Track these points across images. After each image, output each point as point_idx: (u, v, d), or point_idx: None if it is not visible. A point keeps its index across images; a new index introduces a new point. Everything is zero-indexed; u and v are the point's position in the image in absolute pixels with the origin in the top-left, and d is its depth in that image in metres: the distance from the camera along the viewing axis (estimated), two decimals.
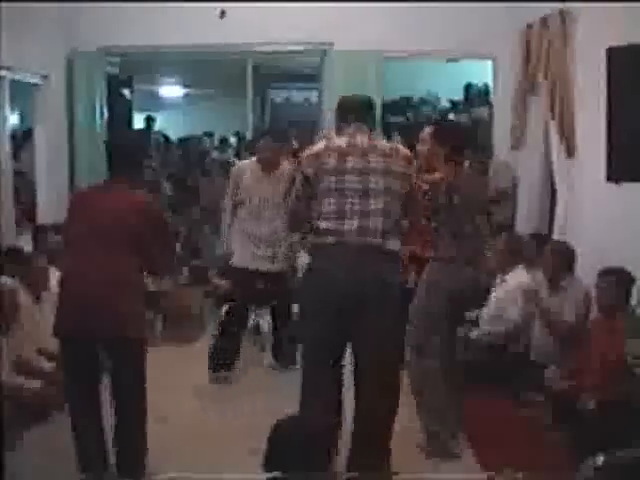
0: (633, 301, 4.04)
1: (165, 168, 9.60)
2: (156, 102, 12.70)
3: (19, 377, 4.22)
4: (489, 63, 7.14)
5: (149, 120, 11.02)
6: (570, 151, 5.27)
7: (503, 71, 6.73)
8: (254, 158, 5.06)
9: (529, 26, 5.91)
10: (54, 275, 4.85)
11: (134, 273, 3.29)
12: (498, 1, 6.42)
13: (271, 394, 4.58)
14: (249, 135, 7.68)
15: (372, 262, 3.28)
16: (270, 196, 4.90)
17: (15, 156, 6.86)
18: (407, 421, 3.84)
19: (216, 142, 11.47)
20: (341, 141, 3.41)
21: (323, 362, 3.40)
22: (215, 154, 10.80)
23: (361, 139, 3.40)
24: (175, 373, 4.97)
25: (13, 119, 8.20)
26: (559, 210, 5.46)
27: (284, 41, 6.96)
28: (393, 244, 3.35)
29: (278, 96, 12.00)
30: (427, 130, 4.00)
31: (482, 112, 8.26)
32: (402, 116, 9.17)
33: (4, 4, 5.09)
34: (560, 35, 5.29)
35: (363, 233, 3.28)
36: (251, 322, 5.78)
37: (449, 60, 8.20)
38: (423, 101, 9.49)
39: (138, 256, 3.27)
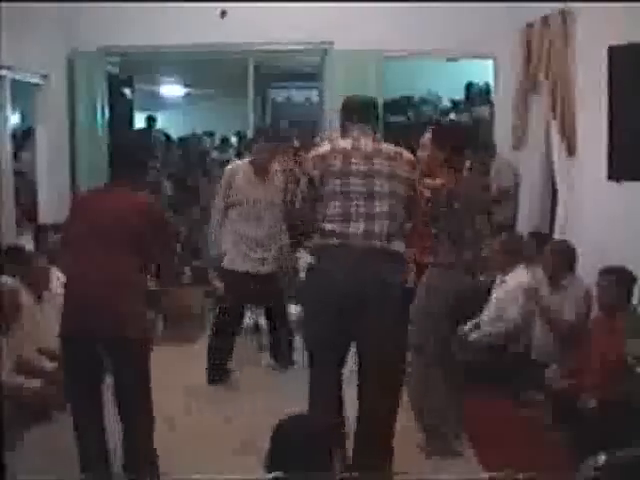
0: (634, 300, 4.03)
1: (165, 168, 9.61)
2: (157, 102, 12.70)
3: (19, 376, 4.22)
4: (490, 62, 7.13)
5: (150, 120, 11.03)
6: (571, 150, 5.27)
7: (504, 71, 6.73)
8: (247, 159, 5.06)
9: (530, 25, 5.90)
10: (55, 275, 4.87)
11: (134, 273, 3.28)
12: (499, 1, 6.41)
13: (271, 394, 4.58)
14: (250, 135, 7.68)
15: (376, 263, 3.28)
16: (262, 198, 4.88)
17: (15, 156, 6.86)
18: (407, 421, 3.84)
19: (217, 142, 11.47)
20: (346, 143, 3.41)
21: (329, 362, 3.41)
22: (215, 154, 10.81)
23: (365, 142, 3.40)
24: (176, 373, 4.97)
25: (14, 119, 8.19)
26: (560, 209, 5.45)
27: (285, 40, 6.95)
28: (397, 246, 3.36)
29: (279, 95, 12.00)
30: (427, 135, 4.00)
31: (483, 111, 8.25)
32: (403, 116, 9.16)
33: (4, 4, 5.09)
34: (561, 34, 5.28)
35: (369, 236, 3.28)
36: (250, 321, 5.79)
37: (450, 59, 8.19)
38: (424, 100, 9.47)
39: (139, 257, 3.26)
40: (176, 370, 5.03)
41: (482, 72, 8.04)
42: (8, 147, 5.99)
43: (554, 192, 5.77)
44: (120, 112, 7.79)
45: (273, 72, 10.30)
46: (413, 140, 4.33)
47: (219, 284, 4.97)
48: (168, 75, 12.30)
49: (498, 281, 5.06)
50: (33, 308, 4.57)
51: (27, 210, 6.58)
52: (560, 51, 5.30)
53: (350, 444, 3.43)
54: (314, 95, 9.67)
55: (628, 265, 4.04)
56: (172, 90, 13.10)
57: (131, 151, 3.55)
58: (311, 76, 8.77)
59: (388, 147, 3.48)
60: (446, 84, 9.38)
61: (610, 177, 4.64)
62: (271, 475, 2.22)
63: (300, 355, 5.24)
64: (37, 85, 6.52)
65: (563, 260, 4.65)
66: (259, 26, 6.69)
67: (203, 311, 6.27)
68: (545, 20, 5.57)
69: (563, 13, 5.26)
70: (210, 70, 10.72)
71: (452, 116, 9.07)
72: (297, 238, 6.37)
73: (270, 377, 5.11)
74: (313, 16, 6.72)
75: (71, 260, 3.38)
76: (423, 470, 3.66)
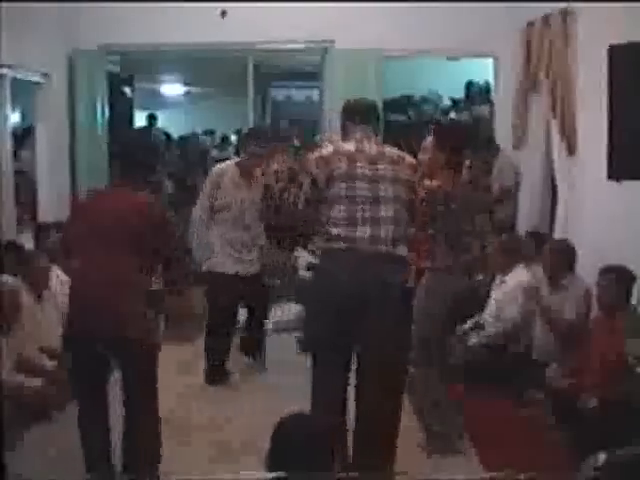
0: (634, 300, 4.03)
1: (165, 167, 9.60)
2: (157, 100, 12.70)
3: (19, 375, 4.22)
4: (490, 61, 7.13)
5: (151, 118, 11.03)
6: (571, 150, 5.26)
7: (504, 70, 6.73)
8: (233, 161, 5.06)
9: (530, 25, 5.90)
10: (54, 273, 4.87)
11: (135, 273, 3.27)
12: (499, 0, 6.41)
13: (271, 394, 4.58)
14: None
15: (383, 268, 3.28)
16: (247, 199, 4.89)
17: (15, 155, 6.85)
18: (407, 421, 3.83)
19: (217, 140, 11.46)
20: (349, 146, 3.40)
21: (333, 364, 3.40)
22: (215, 153, 10.80)
23: (369, 145, 3.40)
24: (176, 372, 4.97)
25: (14, 117, 8.18)
26: (560, 209, 5.45)
27: (285, 39, 6.96)
28: (401, 250, 3.36)
29: (279, 94, 12.00)
30: (429, 139, 4.01)
31: (483, 110, 8.25)
32: (403, 115, 9.16)
33: (4, 3, 5.08)
34: (561, 34, 5.28)
35: (375, 241, 3.28)
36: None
37: (450, 58, 8.19)
38: (424, 99, 9.47)
39: (140, 257, 3.25)
40: (176, 370, 5.03)
41: (482, 71, 8.04)
42: (8, 146, 5.99)
43: (554, 191, 5.77)
44: (120, 111, 7.79)
45: (273, 71, 10.30)
46: (413, 139, 4.34)
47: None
48: (168, 74, 12.31)
49: (497, 281, 5.06)
50: (33, 307, 4.57)
51: (27, 209, 6.58)
52: (560, 50, 5.30)
53: (350, 444, 3.43)
54: (314, 94, 9.66)
55: (628, 264, 4.03)
56: (172, 89, 13.10)
57: (136, 151, 3.53)
58: (311, 75, 8.77)
59: (391, 150, 3.48)
60: (446, 83, 9.37)
61: (610, 176, 4.63)
62: (271, 475, 2.22)
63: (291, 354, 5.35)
64: (37, 84, 6.51)
65: (563, 259, 4.66)
66: (259, 25, 6.69)
67: (204, 311, 6.25)
68: (545, 19, 5.56)
69: (564, 12, 5.26)
70: (210, 69, 10.72)
71: (452, 115, 9.07)
72: (295, 239, 6.39)
73: (270, 377, 5.10)
74: (313, 15, 6.71)
75: (74, 261, 3.37)
76: (424, 470, 3.66)
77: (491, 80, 7.46)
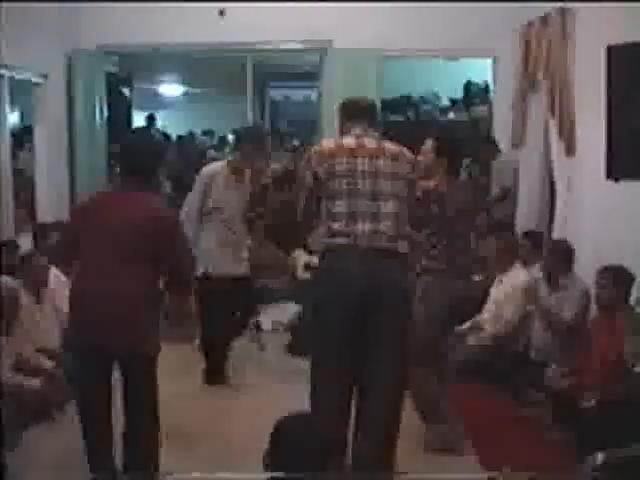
0: (632, 300, 4.04)
1: (164, 167, 9.59)
2: (156, 100, 12.71)
3: (19, 375, 4.21)
4: (489, 61, 7.14)
5: (150, 119, 11.02)
6: (570, 149, 5.27)
7: (503, 70, 6.73)
8: (223, 162, 5.04)
9: (529, 24, 5.90)
10: (52, 273, 4.86)
11: (146, 283, 3.18)
12: (498, 0, 6.41)
13: (271, 394, 4.58)
14: None
15: (384, 265, 3.28)
16: (237, 199, 4.86)
17: (14, 154, 6.86)
18: (407, 420, 3.83)
19: (215, 140, 11.46)
20: (350, 141, 3.40)
21: (335, 364, 3.38)
22: (212, 153, 10.79)
23: (369, 141, 3.40)
24: (176, 372, 4.97)
25: (13, 117, 8.19)
26: (559, 208, 5.46)
27: (284, 39, 6.96)
28: (402, 247, 3.36)
29: (278, 94, 12.01)
30: (429, 143, 4.01)
31: (482, 110, 8.26)
32: (402, 115, 9.17)
33: (4, 4, 5.08)
34: (560, 34, 5.28)
35: (375, 236, 3.27)
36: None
37: (449, 59, 8.20)
38: (423, 100, 9.49)
39: (150, 265, 3.15)
40: (176, 370, 5.03)
41: (481, 71, 8.05)
42: (7, 146, 5.99)
43: (553, 191, 5.77)
44: (119, 111, 7.80)
45: (272, 71, 10.32)
46: (412, 139, 4.34)
47: None
48: (167, 74, 12.31)
49: (496, 281, 5.07)
50: (33, 307, 4.57)
51: (26, 209, 6.58)
52: (559, 50, 5.30)
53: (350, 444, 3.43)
54: (313, 94, 9.66)
55: (627, 264, 4.04)
56: (171, 89, 13.10)
57: (141, 152, 3.34)
58: (310, 75, 8.76)
59: (390, 146, 3.47)
60: (445, 83, 9.39)
61: (609, 176, 4.64)
62: (271, 475, 2.22)
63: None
64: (36, 84, 6.52)
65: (561, 259, 4.66)
66: (258, 25, 6.70)
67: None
68: (544, 19, 5.57)
69: (562, 12, 5.26)
70: (209, 69, 10.72)
71: (451, 115, 9.09)
72: (296, 238, 6.39)
73: (270, 377, 5.10)
74: (312, 15, 6.72)
75: (80, 270, 3.25)
76: (424, 470, 3.66)
77: (490, 80, 7.47)
